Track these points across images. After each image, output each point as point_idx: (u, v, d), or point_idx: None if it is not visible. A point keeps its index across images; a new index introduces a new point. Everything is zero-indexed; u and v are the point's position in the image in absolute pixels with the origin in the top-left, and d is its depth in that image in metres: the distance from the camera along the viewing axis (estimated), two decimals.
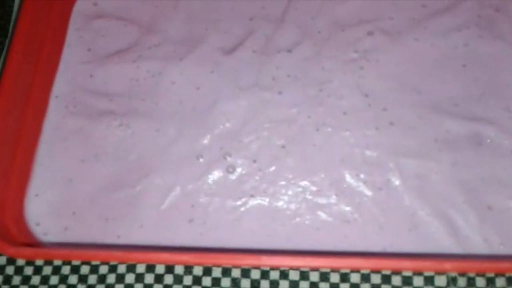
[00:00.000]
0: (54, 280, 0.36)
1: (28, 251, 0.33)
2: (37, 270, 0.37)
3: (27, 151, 0.39)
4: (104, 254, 0.32)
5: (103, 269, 0.36)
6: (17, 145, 0.38)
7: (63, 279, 0.36)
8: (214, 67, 0.42)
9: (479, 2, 0.42)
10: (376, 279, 0.34)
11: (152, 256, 0.31)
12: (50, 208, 0.38)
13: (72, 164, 0.40)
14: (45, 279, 0.36)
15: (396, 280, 0.34)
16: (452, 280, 0.34)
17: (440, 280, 0.34)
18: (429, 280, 0.34)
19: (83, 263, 0.36)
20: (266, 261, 0.31)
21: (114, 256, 0.32)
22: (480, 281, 0.34)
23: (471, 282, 0.34)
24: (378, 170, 0.38)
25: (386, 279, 0.34)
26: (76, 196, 0.39)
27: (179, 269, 0.36)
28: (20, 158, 0.38)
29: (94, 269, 0.36)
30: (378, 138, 0.39)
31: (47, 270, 0.36)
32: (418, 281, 0.34)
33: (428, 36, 0.42)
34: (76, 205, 0.38)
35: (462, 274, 0.34)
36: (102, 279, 0.36)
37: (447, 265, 0.29)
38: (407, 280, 0.34)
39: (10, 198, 0.37)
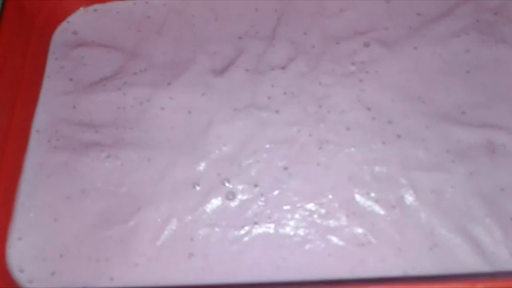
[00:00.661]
0: None
1: None
2: None
3: (8, 191, 0.36)
4: None
5: None
6: None
7: None
8: (205, 89, 0.39)
9: (475, 7, 0.41)
10: None
11: None
12: (35, 252, 0.35)
13: (57, 202, 0.36)
14: None
15: None
16: None
17: None
18: None
19: None
20: None
21: None
22: None
23: None
24: (389, 187, 0.35)
25: None
26: (63, 237, 0.35)
27: None
28: (0, 199, 0.35)
29: None
30: (386, 152, 0.36)
31: None
32: None
33: (427, 44, 0.40)
34: (63, 247, 0.35)
35: None
36: None
37: (480, 286, 0.26)
38: None
39: None
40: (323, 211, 0.35)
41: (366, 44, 0.40)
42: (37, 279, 0.34)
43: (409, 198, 0.35)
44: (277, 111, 0.38)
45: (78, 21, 0.44)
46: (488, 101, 0.37)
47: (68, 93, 0.41)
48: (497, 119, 0.37)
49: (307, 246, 0.33)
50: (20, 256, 0.35)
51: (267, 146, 0.37)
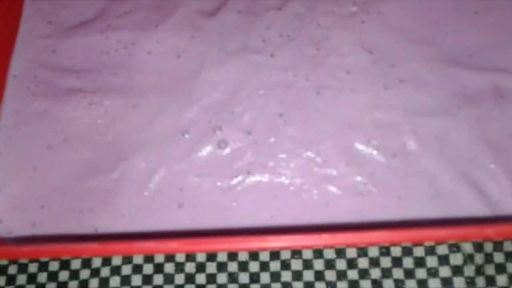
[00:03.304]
0: (21, 279, 0.31)
1: None
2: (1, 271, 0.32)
3: None
4: (77, 247, 0.27)
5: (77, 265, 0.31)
6: None
7: (32, 278, 0.31)
8: (195, 32, 0.37)
9: None
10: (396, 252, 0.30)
11: (131, 247, 0.26)
12: (14, 203, 0.33)
13: (37, 151, 0.34)
14: (10, 280, 0.31)
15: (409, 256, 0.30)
16: (469, 257, 0.30)
17: (456, 259, 0.30)
18: (443, 259, 0.30)
19: (53, 260, 0.31)
20: (273, 241, 0.25)
21: (89, 249, 0.26)
22: (499, 257, 0.31)
23: (488, 258, 0.31)
24: (391, 134, 0.33)
25: (408, 251, 0.30)
26: (44, 187, 0.33)
27: (170, 266, 0.31)
28: None
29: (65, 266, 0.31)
30: (388, 98, 0.34)
31: (12, 269, 0.31)
32: (431, 261, 0.30)
33: None
34: (44, 198, 0.33)
35: (479, 251, 0.30)
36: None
37: (489, 231, 0.25)
38: (419, 261, 0.30)
39: None
40: (320, 159, 0.33)
41: None
42: (17, 230, 0.32)
43: (412, 146, 0.33)
44: (272, 55, 0.36)
45: None
46: (497, 43, 0.35)
47: (47, 36, 0.38)
48: (506, 63, 0.34)
49: (304, 195, 0.32)
50: None
51: (261, 91, 0.35)
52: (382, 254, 0.31)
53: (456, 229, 0.25)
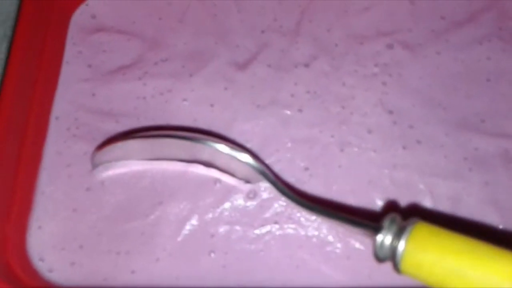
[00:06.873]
0: None
1: None
2: None
3: (28, 180, 0.36)
4: None
5: None
6: (17, 173, 0.35)
7: None
8: (228, 84, 0.39)
9: (499, 14, 0.41)
10: None
11: None
12: (55, 242, 0.35)
13: (76, 192, 0.36)
14: None
15: None
16: None
17: None
18: None
19: None
20: None
21: None
22: None
23: None
24: (408, 192, 0.36)
25: None
26: (82, 228, 0.35)
27: None
28: (20, 188, 0.35)
29: None
30: (406, 158, 0.37)
31: None
32: None
33: (449, 49, 0.40)
34: (82, 238, 0.35)
35: None
36: None
37: None
38: None
39: (12, 232, 0.34)
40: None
41: (389, 46, 0.40)
42: (57, 269, 0.34)
43: (427, 204, 0.35)
44: (300, 110, 0.38)
45: (97, 4, 0.43)
46: (508, 111, 0.38)
47: (86, 80, 0.40)
48: None
49: (327, 248, 0.34)
50: (40, 245, 0.35)
51: (289, 145, 0.37)
52: None
53: None
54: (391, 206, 0.35)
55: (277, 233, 0.35)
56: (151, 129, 0.38)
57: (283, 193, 0.33)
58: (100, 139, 0.38)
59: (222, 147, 0.33)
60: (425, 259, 0.22)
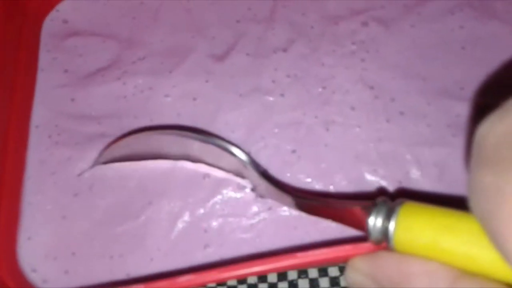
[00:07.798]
0: None
1: None
2: None
3: (13, 191, 0.35)
4: None
5: None
6: (1, 185, 0.34)
7: None
8: (208, 76, 0.39)
9: None
10: None
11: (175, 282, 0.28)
12: (46, 251, 0.34)
13: (64, 199, 0.36)
14: None
15: None
16: None
17: None
18: None
19: None
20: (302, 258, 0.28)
21: None
22: None
23: None
24: (395, 163, 0.36)
25: None
26: (73, 235, 0.35)
27: None
28: (5, 199, 0.34)
29: None
30: (390, 130, 0.37)
31: None
32: None
33: (423, 21, 0.40)
34: (74, 245, 0.34)
35: None
36: None
37: None
38: None
39: (1, 245, 0.33)
40: (333, 188, 0.35)
41: (364, 23, 0.41)
42: (51, 279, 0.34)
43: (415, 173, 0.36)
44: (282, 95, 0.38)
45: (68, 9, 0.42)
46: (484, 76, 0.38)
47: (64, 85, 0.39)
48: (494, 94, 0.38)
49: (323, 224, 0.34)
50: (31, 256, 0.34)
51: (275, 130, 0.37)
52: None
53: None
54: (380, 190, 0.35)
55: (271, 218, 0.35)
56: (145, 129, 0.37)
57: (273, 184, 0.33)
58: (83, 143, 0.37)
59: (212, 140, 0.33)
60: (414, 236, 0.23)
